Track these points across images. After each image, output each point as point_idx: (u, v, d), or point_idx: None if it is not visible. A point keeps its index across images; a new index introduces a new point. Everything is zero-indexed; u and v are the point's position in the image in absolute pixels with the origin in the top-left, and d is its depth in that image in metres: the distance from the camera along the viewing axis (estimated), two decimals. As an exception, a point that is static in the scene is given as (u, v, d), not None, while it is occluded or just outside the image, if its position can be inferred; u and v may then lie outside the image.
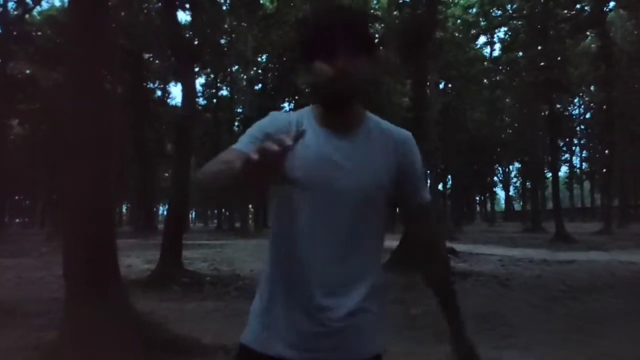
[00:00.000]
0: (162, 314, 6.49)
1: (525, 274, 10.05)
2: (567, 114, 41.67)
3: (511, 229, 32.20)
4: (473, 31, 34.03)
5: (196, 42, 10.42)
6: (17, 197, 54.23)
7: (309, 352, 1.22)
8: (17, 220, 59.70)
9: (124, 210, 61.37)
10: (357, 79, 1.20)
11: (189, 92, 8.87)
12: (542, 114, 32.51)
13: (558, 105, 26.43)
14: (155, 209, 40.81)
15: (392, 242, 18.68)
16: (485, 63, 35.92)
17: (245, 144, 1.23)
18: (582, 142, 50.76)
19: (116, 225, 34.65)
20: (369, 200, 1.26)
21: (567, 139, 46.39)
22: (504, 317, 6.23)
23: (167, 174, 49.35)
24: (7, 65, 24.62)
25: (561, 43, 19.88)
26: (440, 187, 34.62)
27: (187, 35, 10.70)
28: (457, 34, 31.23)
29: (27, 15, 25.27)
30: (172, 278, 8.70)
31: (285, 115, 1.33)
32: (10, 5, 23.69)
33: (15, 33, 23.31)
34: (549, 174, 47.99)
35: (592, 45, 30.08)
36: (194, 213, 77.46)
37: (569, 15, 21.55)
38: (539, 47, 19.59)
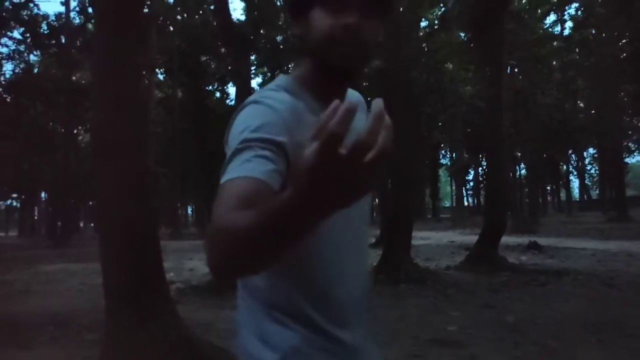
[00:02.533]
0: (222, 326, 5.87)
1: (630, 271, 8.73)
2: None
3: (593, 219, 29.84)
4: (539, 10, 31.88)
5: (249, 32, 9.84)
6: (91, 202, 56.47)
7: None
8: (92, 224, 62.17)
9: (189, 212, 62.72)
10: (369, 45, 0.90)
11: (242, 83, 8.27)
12: (620, 94, 29.93)
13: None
14: (219, 210, 41.16)
15: (467, 237, 17.57)
16: (556, 42, 33.55)
17: (253, 166, 0.77)
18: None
19: (182, 227, 35.45)
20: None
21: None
22: (624, 325, 5.14)
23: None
24: (73, 75, 25.28)
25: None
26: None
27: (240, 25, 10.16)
28: (524, 14, 29.26)
29: (89, 24, 25.85)
30: (233, 283, 8.09)
31: (276, 98, 0.90)
32: (72, 14, 24.26)
33: (78, 42, 23.84)
34: (628, 160, 44.72)
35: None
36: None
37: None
38: (625, 18, 17.61)
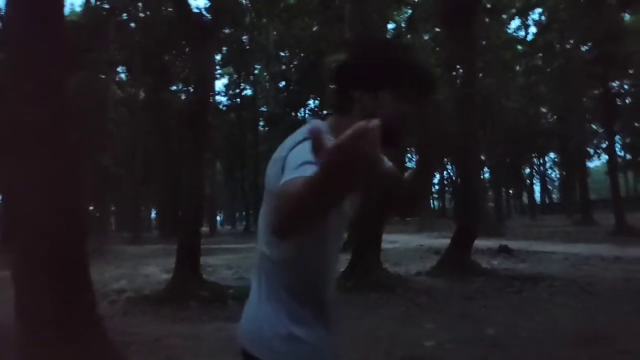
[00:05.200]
0: (171, 343, 5.20)
1: (607, 277, 8.43)
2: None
3: (557, 222, 30.11)
4: (505, 16, 32.13)
5: (209, 18, 9.15)
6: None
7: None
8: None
9: (153, 215, 60.95)
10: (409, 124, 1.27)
11: (201, 71, 7.57)
12: (583, 98, 30.38)
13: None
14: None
15: (435, 241, 17.23)
16: (520, 47, 33.91)
17: (307, 170, 1.07)
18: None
19: (144, 230, 34.11)
20: None
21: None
22: (614, 339, 4.71)
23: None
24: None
25: (616, 14, 17.87)
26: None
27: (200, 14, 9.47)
28: (487, 20, 29.41)
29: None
30: (189, 292, 7.43)
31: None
32: None
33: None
34: (590, 164, 45.74)
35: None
36: (221, 215, 76.82)
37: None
38: (593, 20, 17.58)
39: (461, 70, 10.80)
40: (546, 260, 11.12)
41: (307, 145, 1.09)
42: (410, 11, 32.00)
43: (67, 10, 36.24)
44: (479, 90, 19.19)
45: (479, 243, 14.37)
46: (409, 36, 32.87)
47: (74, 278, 3.04)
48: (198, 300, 7.33)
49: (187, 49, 28.96)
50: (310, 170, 0.99)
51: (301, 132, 1.24)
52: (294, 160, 1.12)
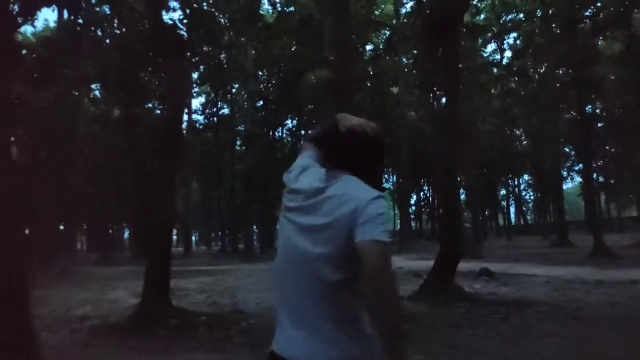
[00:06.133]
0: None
1: (593, 301, 8.21)
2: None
3: (534, 244, 30.17)
4: (481, 40, 32.68)
5: (185, 33, 8.84)
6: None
7: None
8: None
9: (126, 234, 59.38)
10: None
11: (175, 87, 7.20)
12: (556, 122, 30.92)
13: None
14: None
15: (414, 263, 16.93)
16: (496, 70, 34.44)
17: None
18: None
19: (116, 251, 32.89)
20: None
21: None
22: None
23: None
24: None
25: (590, 39, 18.21)
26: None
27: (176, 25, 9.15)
28: (463, 43, 29.86)
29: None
30: (157, 319, 6.92)
31: None
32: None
33: None
34: (565, 185, 46.37)
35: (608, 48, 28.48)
36: (196, 235, 75.47)
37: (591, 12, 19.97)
38: (568, 45, 17.85)
39: (439, 92, 10.62)
40: (528, 283, 10.89)
41: (383, 204, 1.45)
42: (388, 32, 32.35)
43: (40, 25, 35.59)
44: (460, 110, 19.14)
45: (459, 265, 14.13)
46: (387, 57, 33.14)
47: (11, 316, 2.62)
48: (166, 328, 6.84)
49: (163, 66, 28.48)
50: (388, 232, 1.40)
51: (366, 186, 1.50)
52: (378, 217, 1.40)
